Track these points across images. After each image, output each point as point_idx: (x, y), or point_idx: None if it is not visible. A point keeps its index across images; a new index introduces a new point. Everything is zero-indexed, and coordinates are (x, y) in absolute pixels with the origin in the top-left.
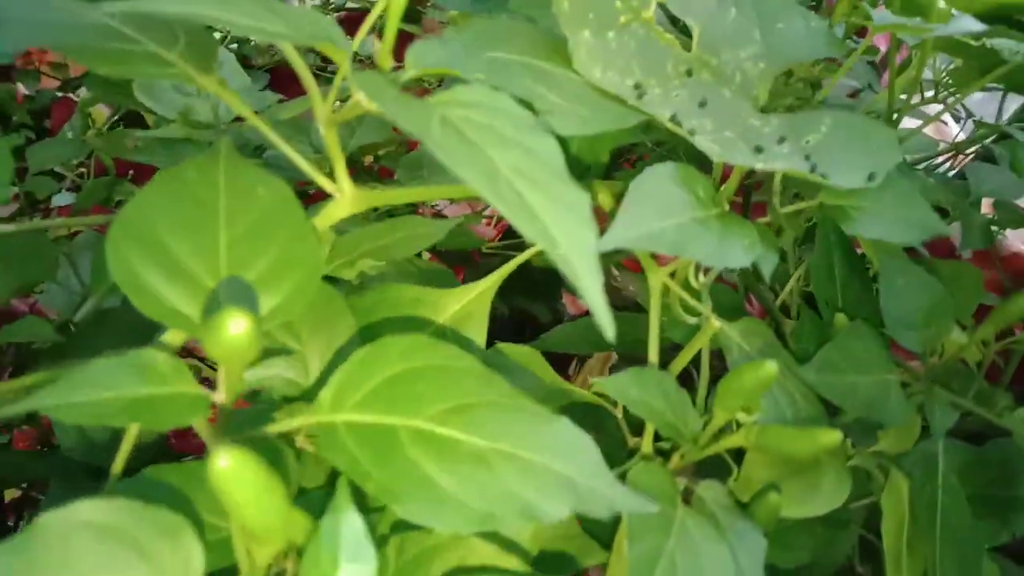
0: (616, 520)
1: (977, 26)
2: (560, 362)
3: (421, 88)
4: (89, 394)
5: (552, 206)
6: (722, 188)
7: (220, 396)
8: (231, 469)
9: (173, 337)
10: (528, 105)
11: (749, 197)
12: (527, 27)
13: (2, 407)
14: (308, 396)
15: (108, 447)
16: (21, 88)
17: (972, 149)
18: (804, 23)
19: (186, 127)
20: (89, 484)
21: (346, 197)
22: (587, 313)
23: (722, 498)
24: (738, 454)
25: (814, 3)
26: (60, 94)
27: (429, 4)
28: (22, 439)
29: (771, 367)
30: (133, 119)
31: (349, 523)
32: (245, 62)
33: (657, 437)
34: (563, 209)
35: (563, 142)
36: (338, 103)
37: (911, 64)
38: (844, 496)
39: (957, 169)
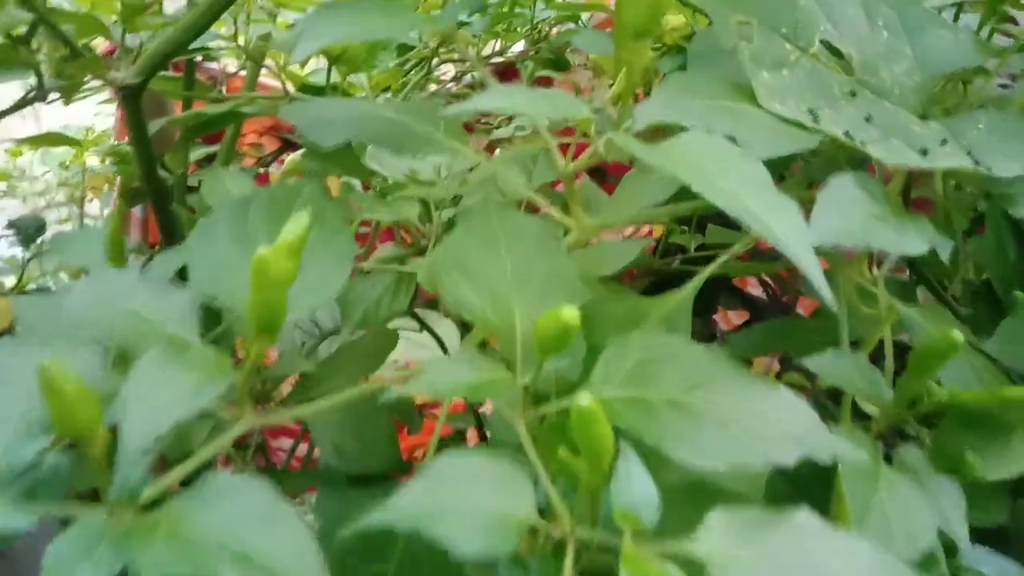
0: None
1: None
2: None
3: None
4: (445, 381)
5: (769, 210)
6: (889, 187)
7: (524, 379)
8: (590, 406)
9: (477, 335)
10: (731, 138)
11: (908, 192)
12: (709, 76)
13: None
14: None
15: (357, 456)
16: None
17: None
18: (951, 34)
19: (414, 184)
20: (349, 487)
21: (581, 228)
22: (739, 327)
23: (920, 459)
24: (929, 428)
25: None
26: (260, 169)
27: (569, 49)
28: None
29: (956, 334)
30: None
31: (635, 465)
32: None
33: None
34: (778, 211)
35: None
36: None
37: None
38: None
39: None
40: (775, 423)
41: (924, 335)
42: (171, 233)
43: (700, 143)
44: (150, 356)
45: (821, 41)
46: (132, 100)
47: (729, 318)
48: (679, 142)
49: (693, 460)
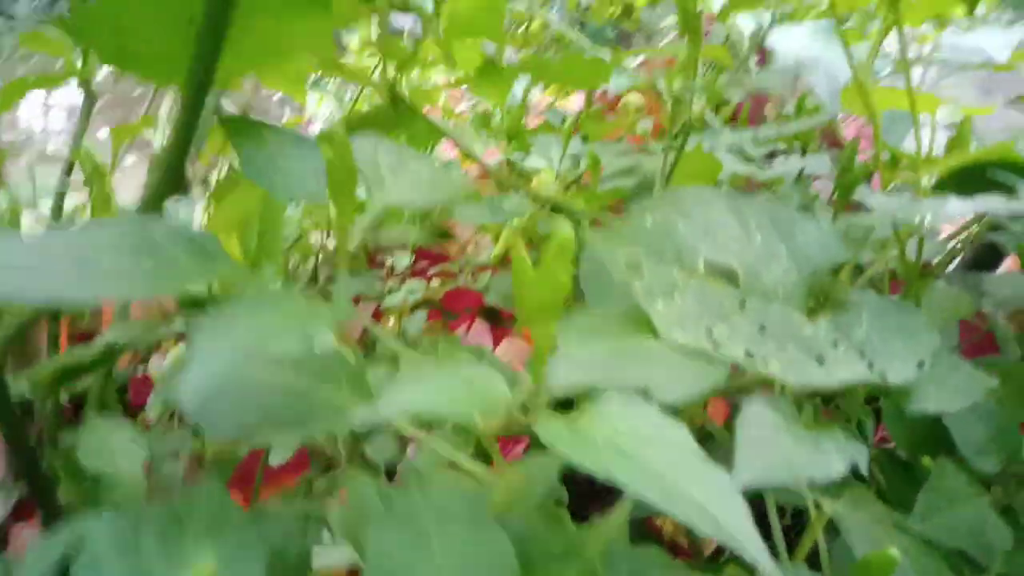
0: None
1: (963, 208)
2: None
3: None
4: None
5: (704, 489)
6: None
7: None
8: None
9: None
10: (643, 390)
11: None
12: (607, 312)
13: None
14: None
15: None
16: None
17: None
18: (816, 229)
19: None
20: None
21: (509, 490)
22: None
23: None
24: None
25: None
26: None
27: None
28: None
29: (893, 555)
30: None
31: None
32: None
33: None
34: (713, 490)
35: None
36: None
37: None
38: None
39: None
40: None
41: (857, 532)
42: (44, 498)
43: (620, 415)
44: None
45: (705, 260)
46: None
47: None
48: (597, 419)
49: None
